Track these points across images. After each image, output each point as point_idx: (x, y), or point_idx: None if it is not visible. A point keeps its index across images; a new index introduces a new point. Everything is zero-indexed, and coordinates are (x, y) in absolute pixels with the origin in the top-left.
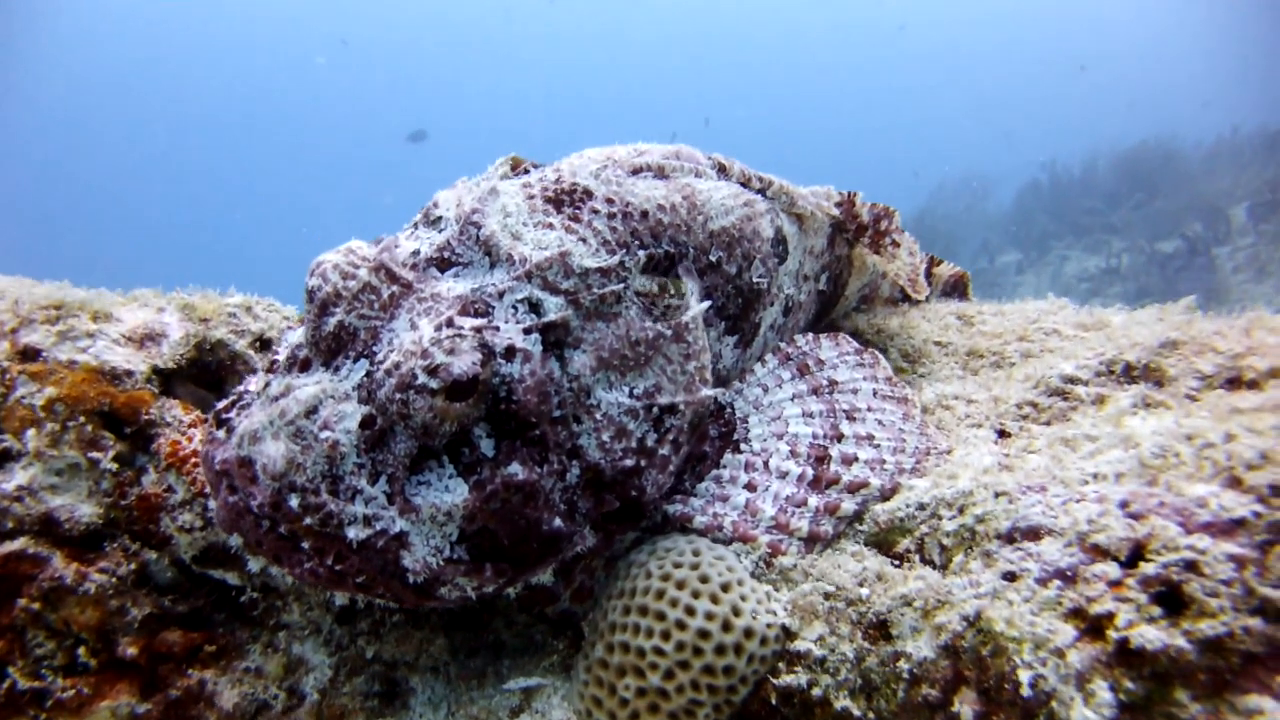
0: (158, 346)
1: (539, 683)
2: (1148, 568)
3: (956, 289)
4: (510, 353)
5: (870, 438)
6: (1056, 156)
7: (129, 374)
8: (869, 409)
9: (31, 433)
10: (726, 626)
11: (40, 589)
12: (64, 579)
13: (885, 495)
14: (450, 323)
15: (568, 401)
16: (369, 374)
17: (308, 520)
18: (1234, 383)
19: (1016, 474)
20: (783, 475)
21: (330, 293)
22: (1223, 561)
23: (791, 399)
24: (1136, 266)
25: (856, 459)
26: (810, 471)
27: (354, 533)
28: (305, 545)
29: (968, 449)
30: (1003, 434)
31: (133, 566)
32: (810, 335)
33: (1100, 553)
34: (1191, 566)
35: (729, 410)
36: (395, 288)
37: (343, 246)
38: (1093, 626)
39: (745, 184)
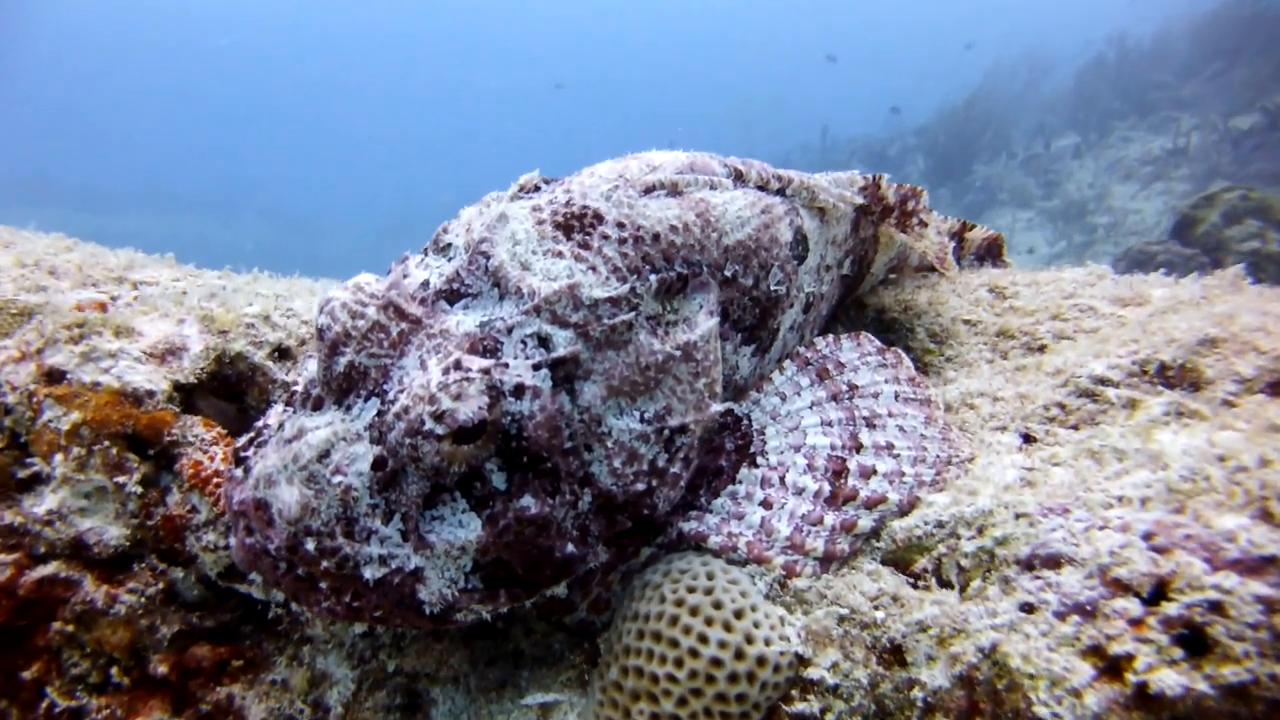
0: (179, 361)
1: (555, 699)
2: (1170, 608)
3: (990, 253)
4: (520, 390)
5: (890, 446)
6: (1126, 28)
7: (150, 394)
8: (890, 414)
9: (59, 457)
10: (739, 655)
11: (73, 612)
12: (95, 602)
13: (904, 510)
14: (458, 365)
15: (579, 432)
16: (380, 414)
17: (324, 564)
18: (1275, 387)
19: (1039, 492)
20: (799, 492)
21: (340, 332)
22: (1249, 603)
23: (810, 407)
24: (1207, 146)
25: (875, 471)
26: (827, 487)
27: (370, 573)
28: (323, 586)
29: (990, 458)
30: (1028, 438)
31: (161, 586)
32: (831, 337)
33: (1121, 588)
34: (1216, 608)
35: (746, 422)
36: (404, 325)
37: (351, 283)
38: (1111, 666)
39: (763, 186)
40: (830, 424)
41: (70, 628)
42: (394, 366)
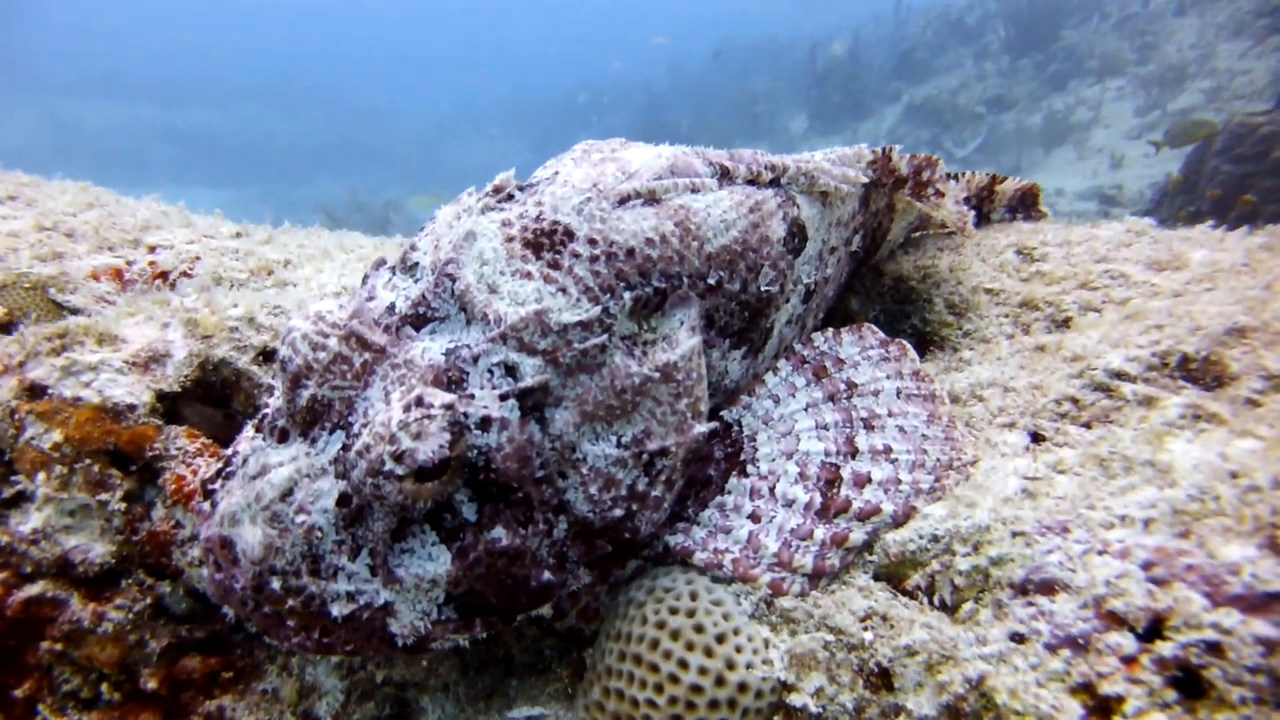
0: (162, 369)
1: (541, 713)
2: (1165, 647)
3: (1025, 204)
4: (486, 423)
5: (888, 450)
6: None
7: (132, 408)
8: (890, 413)
9: (41, 476)
10: (720, 681)
11: (61, 630)
12: (82, 621)
13: (898, 521)
14: (420, 401)
15: (551, 461)
16: (345, 448)
17: (290, 603)
18: None
19: (1040, 507)
20: (789, 503)
21: (301, 365)
22: (1249, 645)
23: (805, 409)
24: None
25: (870, 480)
26: (819, 498)
27: (338, 609)
28: (290, 624)
29: (994, 461)
30: (1037, 437)
31: (148, 601)
32: (830, 331)
33: (1116, 621)
34: (1214, 649)
35: (736, 428)
36: (368, 354)
37: (312, 312)
38: (1101, 706)
39: (754, 180)
40: (825, 427)
41: (59, 646)
42: (358, 398)
